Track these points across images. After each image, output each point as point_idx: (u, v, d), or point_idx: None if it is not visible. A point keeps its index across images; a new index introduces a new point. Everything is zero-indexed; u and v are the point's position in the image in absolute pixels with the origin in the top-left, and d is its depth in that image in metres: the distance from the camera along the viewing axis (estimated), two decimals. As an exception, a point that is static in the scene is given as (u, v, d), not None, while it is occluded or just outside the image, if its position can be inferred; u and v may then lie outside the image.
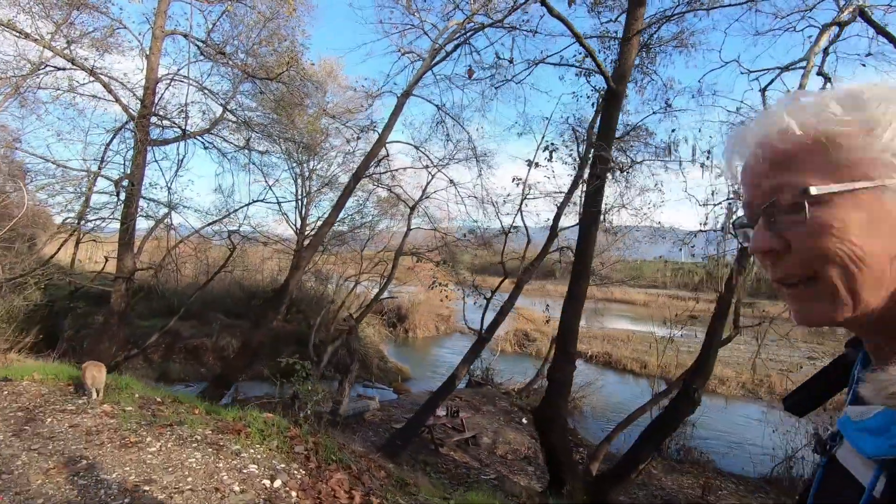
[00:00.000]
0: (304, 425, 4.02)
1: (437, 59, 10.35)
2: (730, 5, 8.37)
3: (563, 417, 5.50)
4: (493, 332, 8.77)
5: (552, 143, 9.89)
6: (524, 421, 11.89)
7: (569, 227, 10.05)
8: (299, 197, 18.87)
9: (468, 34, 9.55)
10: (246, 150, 13.25)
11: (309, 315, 19.68)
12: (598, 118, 6.57)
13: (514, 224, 9.30)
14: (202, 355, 16.29)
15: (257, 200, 12.51)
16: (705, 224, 9.33)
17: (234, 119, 12.50)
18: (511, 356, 22.47)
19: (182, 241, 10.80)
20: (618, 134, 10.49)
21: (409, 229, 13.97)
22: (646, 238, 11.31)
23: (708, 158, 8.81)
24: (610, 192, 10.86)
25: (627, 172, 7.52)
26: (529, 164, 9.36)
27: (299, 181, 18.96)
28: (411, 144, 11.71)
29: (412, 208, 14.08)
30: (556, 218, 9.37)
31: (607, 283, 14.29)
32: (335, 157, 18.29)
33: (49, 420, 3.93)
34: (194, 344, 16.45)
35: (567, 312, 5.59)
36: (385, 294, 13.70)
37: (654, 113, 9.11)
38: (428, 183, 14.11)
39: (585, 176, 9.80)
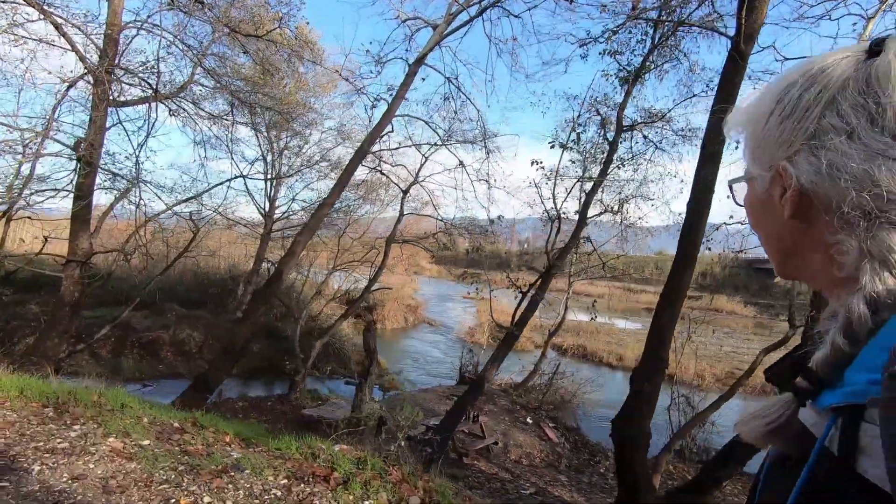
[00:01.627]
0: (405, 464, 3.02)
1: (456, 24, 9.32)
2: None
3: (648, 435, 4.81)
4: (523, 327, 7.98)
5: (579, 125, 9.20)
6: (529, 420, 11.26)
7: (593, 217, 9.40)
8: (269, 177, 17.28)
9: (495, -2, 8.57)
10: (220, 119, 11.65)
11: (280, 305, 18.12)
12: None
13: (560, 211, 8.47)
14: (159, 350, 14.45)
15: (238, 177, 10.96)
16: (731, 217, 8.95)
17: (208, 84, 10.87)
18: (488, 349, 21.81)
19: (150, 220, 9.18)
20: (641, 119, 9.95)
21: (401, 215, 12.89)
22: (663, 231, 10.84)
23: (737, 148, 8.37)
24: (626, 177, 10.34)
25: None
26: (561, 146, 8.57)
27: (269, 158, 17.34)
28: (422, 119, 10.61)
29: (405, 192, 12.99)
30: (586, 205, 8.67)
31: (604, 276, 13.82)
32: (310, 135, 16.83)
33: (36, 467, 2.70)
34: (149, 337, 14.57)
35: (665, 310, 4.87)
36: (376, 284, 12.57)
37: (694, 96, 8.57)
38: (422, 165, 13.06)
39: (615, 160, 9.17)
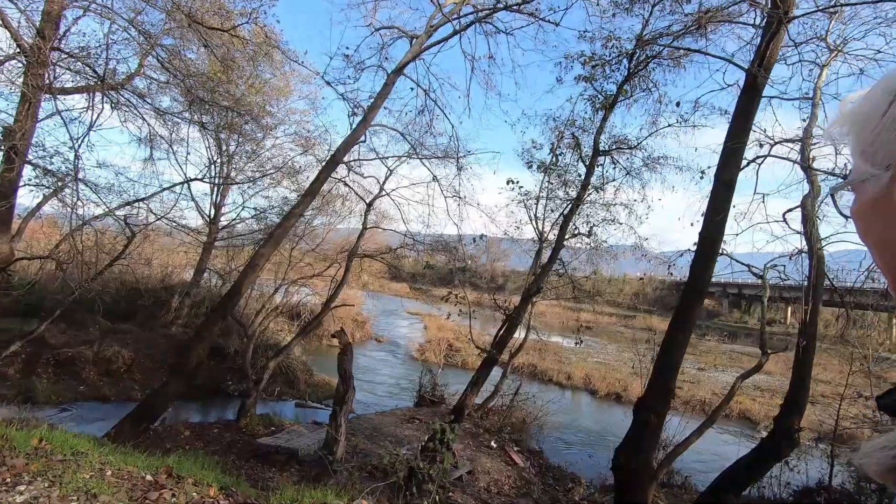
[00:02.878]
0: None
1: (436, 38, 9.11)
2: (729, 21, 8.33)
3: (652, 469, 4.65)
4: (502, 349, 7.73)
5: (557, 146, 9.22)
6: (493, 444, 10.97)
7: (568, 239, 9.41)
8: (217, 182, 16.16)
9: (482, 13, 8.46)
10: (169, 116, 10.71)
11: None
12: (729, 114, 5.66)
13: (543, 232, 8.33)
14: (79, 369, 12.79)
15: (190, 180, 9.98)
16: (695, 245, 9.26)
17: (158, 78, 10.01)
18: (446, 369, 21.43)
19: (87, 223, 8.06)
20: (612, 146, 10.15)
21: (364, 228, 12.34)
22: (628, 254, 11.07)
23: (703, 177, 8.73)
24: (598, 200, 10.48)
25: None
26: (540, 167, 8.52)
27: (218, 162, 16.23)
28: (396, 130, 10.20)
29: (369, 204, 12.48)
30: (563, 227, 8.63)
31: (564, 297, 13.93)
32: (263, 139, 15.91)
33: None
34: (68, 354, 12.88)
35: (675, 339, 4.78)
36: (337, 301, 11.89)
37: (668, 126, 8.84)
38: (387, 178, 12.63)
39: (592, 182, 9.25)
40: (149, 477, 3.05)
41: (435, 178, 10.44)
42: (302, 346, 19.46)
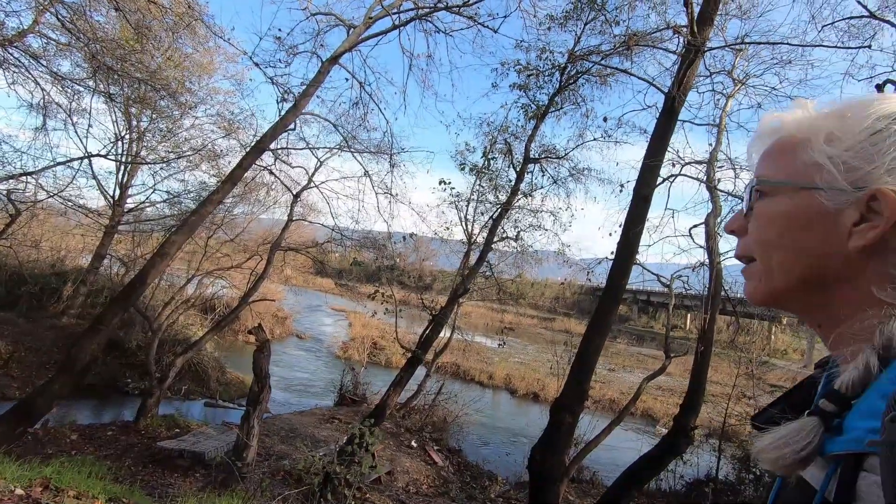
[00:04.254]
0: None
1: (374, 30, 8.93)
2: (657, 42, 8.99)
3: (566, 466, 4.84)
4: (427, 349, 7.72)
5: (490, 150, 9.40)
6: (413, 444, 10.96)
7: (496, 242, 9.61)
8: (123, 160, 14.75)
9: (423, 11, 8.40)
10: (69, 82, 9.61)
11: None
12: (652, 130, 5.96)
13: (473, 234, 8.39)
14: (-57, 364, 11.09)
15: (91, 156, 8.95)
16: (612, 254, 9.85)
17: (56, 38, 8.97)
18: (370, 368, 21.04)
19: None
20: (541, 154, 10.53)
21: (290, 220, 11.83)
22: (552, 259, 11.51)
23: (622, 190, 9.32)
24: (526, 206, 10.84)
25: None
26: (472, 170, 8.64)
27: (126, 138, 14.81)
28: (329, 121, 9.83)
29: (296, 196, 11.99)
30: (492, 230, 8.80)
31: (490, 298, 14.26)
32: (181, 117, 14.75)
33: None
34: (-71, 348, 11.13)
35: (591, 342, 4.99)
36: (255, 295, 11.27)
37: (594, 139, 9.30)
38: (316, 169, 12.22)
39: (522, 189, 9.52)
40: (19, 490, 2.67)
41: (367, 173, 10.25)
42: (215, 342, 18.23)
